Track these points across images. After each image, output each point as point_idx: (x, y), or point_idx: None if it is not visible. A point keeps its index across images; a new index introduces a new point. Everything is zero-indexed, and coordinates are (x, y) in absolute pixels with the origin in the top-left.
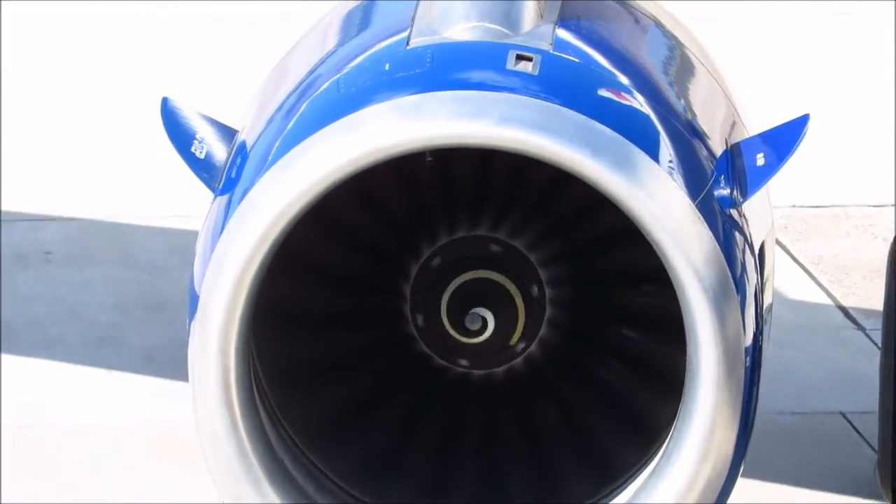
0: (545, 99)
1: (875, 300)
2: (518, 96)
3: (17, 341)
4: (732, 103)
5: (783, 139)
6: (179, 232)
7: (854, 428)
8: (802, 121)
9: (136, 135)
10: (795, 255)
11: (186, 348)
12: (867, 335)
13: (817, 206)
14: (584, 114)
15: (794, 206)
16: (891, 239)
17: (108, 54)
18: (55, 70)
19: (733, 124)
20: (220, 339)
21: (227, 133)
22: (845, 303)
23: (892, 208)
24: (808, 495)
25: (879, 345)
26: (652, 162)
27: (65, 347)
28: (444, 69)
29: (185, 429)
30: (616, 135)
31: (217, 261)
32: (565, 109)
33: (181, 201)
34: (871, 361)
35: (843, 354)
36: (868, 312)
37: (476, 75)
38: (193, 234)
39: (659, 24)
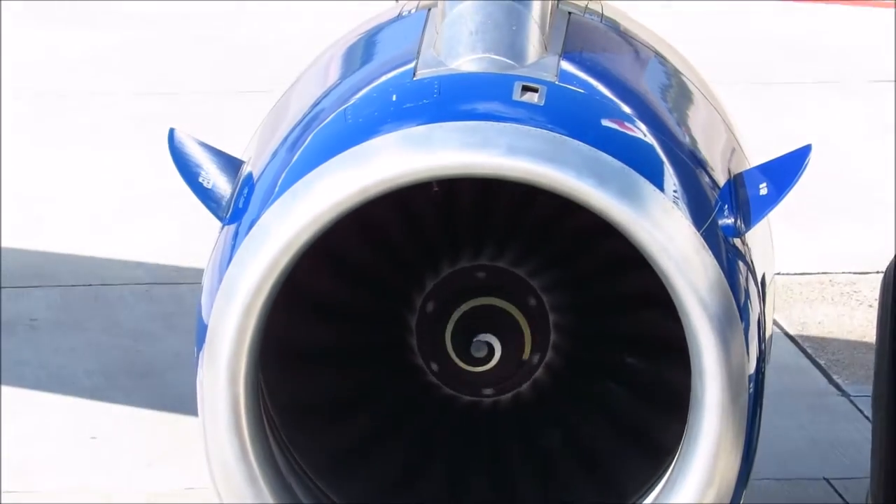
0: (552, 129)
1: (859, 366)
2: (525, 127)
3: (3, 408)
4: (732, 132)
5: (785, 169)
6: (165, 298)
7: (838, 493)
8: (804, 151)
9: (120, 199)
10: (780, 321)
11: (175, 408)
12: (851, 401)
13: (802, 274)
14: (589, 144)
15: (778, 274)
16: (875, 306)
17: (87, 114)
18: (34, 135)
19: (734, 153)
20: (230, 367)
21: (234, 163)
22: (829, 369)
23: (876, 275)
24: None
25: (861, 410)
26: (657, 191)
27: (50, 413)
28: (451, 100)
29: (171, 495)
30: (621, 164)
31: (226, 289)
32: (571, 140)
33: (167, 267)
34: (854, 427)
35: (827, 421)
36: (852, 378)
37: (483, 106)
38: (179, 301)
39: (658, 54)
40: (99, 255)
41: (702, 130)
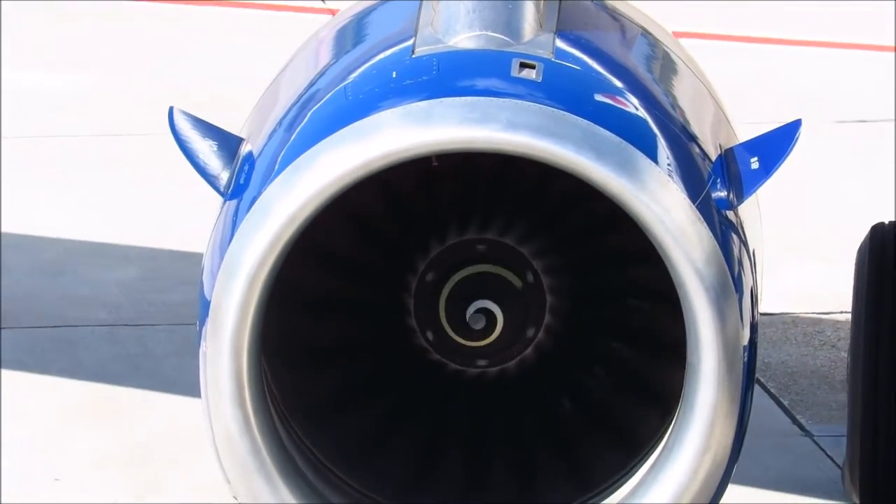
0: (550, 105)
1: (822, 406)
2: (524, 102)
3: None
4: (720, 106)
5: (776, 144)
6: (128, 340)
7: None
8: (795, 126)
9: (83, 241)
10: None
11: (140, 450)
12: (815, 441)
13: (765, 314)
14: (587, 119)
15: None
16: (838, 346)
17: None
18: None
19: (723, 127)
20: (233, 340)
21: (233, 140)
22: (793, 409)
23: (840, 315)
24: None
25: (825, 449)
26: (653, 164)
27: (14, 454)
28: (451, 76)
29: None
30: (618, 139)
31: (229, 262)
32: (569, 115)
33: (129, 308)
34: (818, 467)
35: (791, 461)
36: (815, 419)
37: (482, 82)
38: (143, 343)
39: (647, 32)
40: (62, 297)
41: (692, 105)
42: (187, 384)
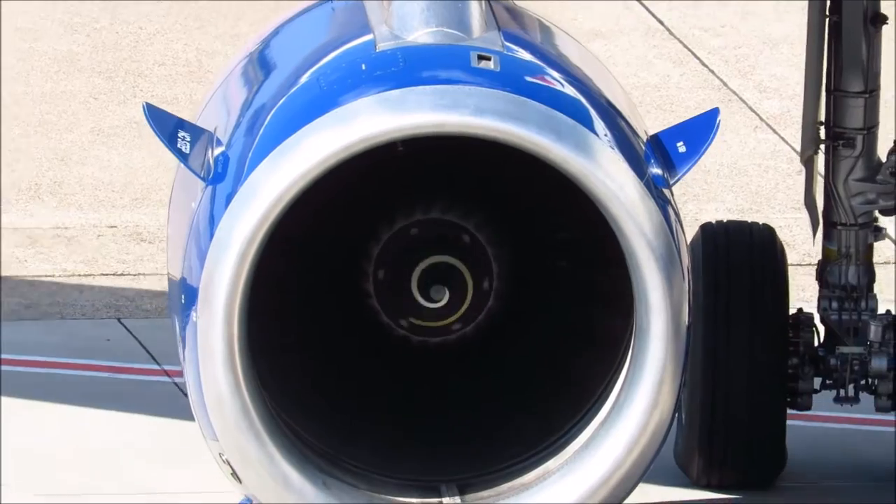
0: (511, 91)
1: None
2: (488, 89)
3: None
4: (629, 95)
5: (699, 130)
6: None
7: None
8: (713, 114)
9: None
10: None
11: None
12: None
13: None
14: (545, 104)
15: None
16: None
17: None
18: None
19: (637, 114)
20: (226, 309)
21: (201, 131)
22: None
23: None
24: None
25: None
26: (605, 145)
27: None
28: (417, 68)
29: None
30: (574, 122)
31: (220, 238)
32: (530, 100)
33: None
34: None
35: None
36: None
37: (446, 73)
38: None
39: (559, 28)
40: None
41: (617, 95)
42: None
